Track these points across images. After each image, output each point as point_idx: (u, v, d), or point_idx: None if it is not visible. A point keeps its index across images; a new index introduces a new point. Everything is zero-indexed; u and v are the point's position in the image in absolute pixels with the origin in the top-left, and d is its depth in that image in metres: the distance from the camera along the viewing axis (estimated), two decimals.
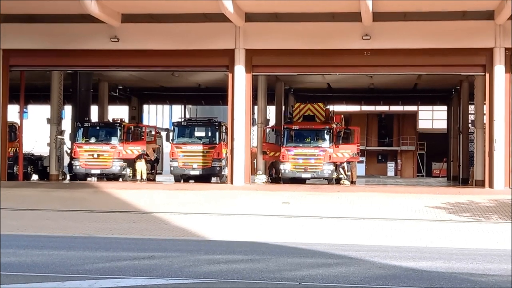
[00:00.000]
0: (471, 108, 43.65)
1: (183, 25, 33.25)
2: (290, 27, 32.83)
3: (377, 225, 21.00)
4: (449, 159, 52.54)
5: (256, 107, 41.03)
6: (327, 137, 36.48)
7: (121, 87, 50.23)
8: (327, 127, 36.87)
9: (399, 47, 32.39)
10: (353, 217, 22.70)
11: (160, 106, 66.45)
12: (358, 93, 52.89)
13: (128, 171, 37.67)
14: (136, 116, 52.96)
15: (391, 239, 18.20)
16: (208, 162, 37.13)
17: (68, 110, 44.19)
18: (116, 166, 36.90)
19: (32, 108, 51.90)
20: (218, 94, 47.47)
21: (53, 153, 39.32)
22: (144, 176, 37.05)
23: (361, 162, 58.80)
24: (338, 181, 37.55)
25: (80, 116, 40.73)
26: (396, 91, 51.80)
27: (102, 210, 24.50)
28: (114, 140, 37.34)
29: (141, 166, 36.97)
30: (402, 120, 69.84)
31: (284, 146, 36.27)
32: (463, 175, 44.23)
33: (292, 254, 14.46)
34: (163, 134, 44.32)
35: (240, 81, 33.12)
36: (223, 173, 37.38)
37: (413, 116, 70.64)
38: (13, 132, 37.43)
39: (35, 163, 40.75)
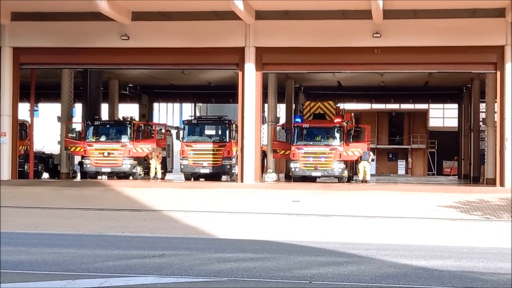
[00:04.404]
0: (482, 106, 43.48)
1: (194, 23, 33.26)
2: (300, 25, 32.80)
3: (387, 224, 20.97)
4: (460, 158, 52.36)
5: (266, 105, 40.98)
6: (337, 135, 36.30)
7: (131, 85, 50.26)
8: (338, 125, 36.68)
9: (409, 45, 32.33)
10: (364, 216, 22.64)
11: (170, 104, 66.46)
12: (368, 91, 52.75)
13: (139, 169, 37.72)
14: (146, 114, 52.95)
15: (402, 237, 18.17)
16: (218, 161, 37.07)
17: (78, 108, 44.27)
18: (126, 164, 36.89)
19: (42, 106, 51.98)
20: (228, 92, 47.39)
21: (63, 151, 39.40)
22: (159, 175, 37.05)
23: (372, 160, 58.56)
24: (349, 179, 37.47)
25: (91, 114, 40.78)
26: (407, 89, 51.63)
27: (113, 208, 24.54)
28: (125, 138, 37.26)
29: (155, 164, 36.95)
30: (412, 118, 69.60)
31: (294, 144, 36.20)
32: (474, 173, 44.04)
33: (302, 253, 14.44)
34: (173, 132, 44.28)
35: (250, 79, 33.13)
36: (233, 171, 37.33)
37: (424, 114, 70.41)
38: (24, 130, 37.45)
39: (46, 161, 40.85)
